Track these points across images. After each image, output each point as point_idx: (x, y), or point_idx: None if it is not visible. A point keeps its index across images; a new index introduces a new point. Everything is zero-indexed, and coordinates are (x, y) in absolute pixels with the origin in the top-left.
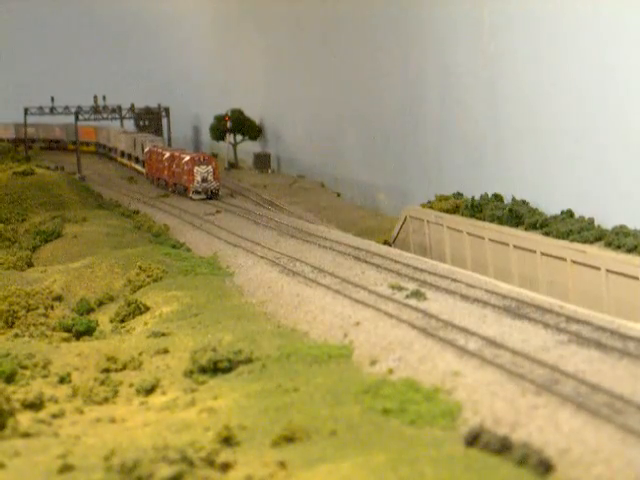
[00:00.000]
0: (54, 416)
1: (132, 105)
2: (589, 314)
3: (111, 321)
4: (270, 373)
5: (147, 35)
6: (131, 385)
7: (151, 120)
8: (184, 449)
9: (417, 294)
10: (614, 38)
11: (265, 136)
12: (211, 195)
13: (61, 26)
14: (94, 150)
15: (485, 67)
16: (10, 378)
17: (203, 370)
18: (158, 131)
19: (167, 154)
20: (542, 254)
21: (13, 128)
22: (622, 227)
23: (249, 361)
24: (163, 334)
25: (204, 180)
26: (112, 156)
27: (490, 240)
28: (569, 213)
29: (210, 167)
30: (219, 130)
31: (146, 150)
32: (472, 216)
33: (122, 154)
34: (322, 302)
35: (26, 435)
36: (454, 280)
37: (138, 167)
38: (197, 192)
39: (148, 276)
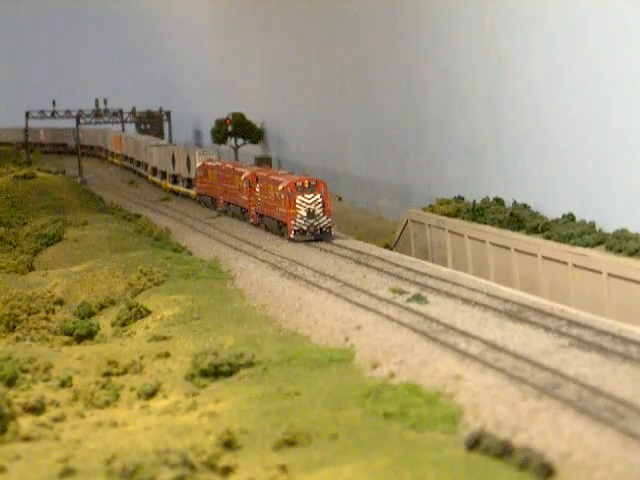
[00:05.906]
0: (55, 420)
1: (133, 109)
2: (590, 318)
3: (112, 325)
4: (271, 377)
5: (149, 39)
6: (132, 389)
7: (152, 124)
8: (185, 453)
9: (418, 298)
10: (616, 40)
11: (266, 139)
12: (320, 235)
13: (63, 30)
14: (119, 163)
15: (486, 70)
16: (11, 382)
17: (204, 374)
18: (159, 135)
19: (246, 172)
20: (543, 258)
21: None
22: (623, 231)
23: (250, 365)
24: (164, 338)
25: (310, 215)
26: (141, 172)
27: (491, 244)
28: (570, 217)
29: (318, 196)
30: (220, 133)
31: (198, 165)
32: (473, 220)
33: (154, 171)
34: (323, 306)
35: (27, 439)
36: (455, 284)
37: (180, 188)
38: (300, 231)
39: (149, 280)
